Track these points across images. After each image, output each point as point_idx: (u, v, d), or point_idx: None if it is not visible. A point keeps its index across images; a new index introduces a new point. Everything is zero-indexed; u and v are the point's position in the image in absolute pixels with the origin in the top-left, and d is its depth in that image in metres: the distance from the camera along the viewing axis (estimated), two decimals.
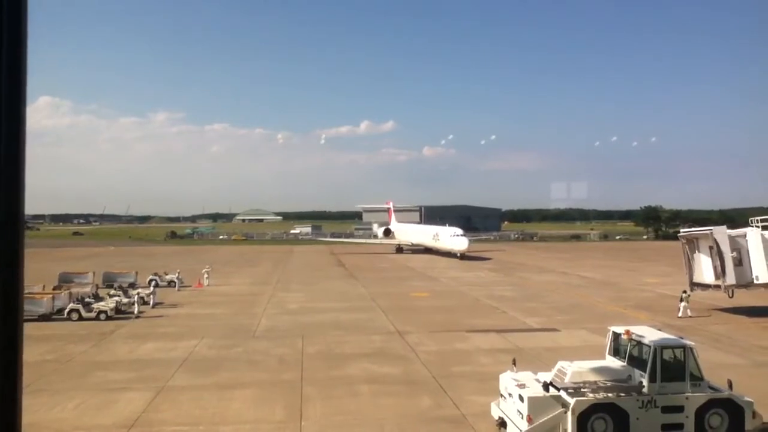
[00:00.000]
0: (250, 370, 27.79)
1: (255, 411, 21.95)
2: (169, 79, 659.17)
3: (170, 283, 58.17)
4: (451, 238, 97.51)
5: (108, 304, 42.16)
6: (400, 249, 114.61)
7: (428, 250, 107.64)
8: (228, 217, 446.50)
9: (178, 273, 59.51)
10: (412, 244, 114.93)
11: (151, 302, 46.57)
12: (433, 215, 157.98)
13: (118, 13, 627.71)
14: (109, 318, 40.84)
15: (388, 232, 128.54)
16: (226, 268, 78.94)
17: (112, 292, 47.70)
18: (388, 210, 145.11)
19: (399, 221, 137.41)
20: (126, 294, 46.74)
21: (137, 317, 42.02)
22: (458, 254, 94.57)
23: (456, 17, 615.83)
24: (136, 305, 43.33)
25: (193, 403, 22.82)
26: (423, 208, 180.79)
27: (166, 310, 45.27)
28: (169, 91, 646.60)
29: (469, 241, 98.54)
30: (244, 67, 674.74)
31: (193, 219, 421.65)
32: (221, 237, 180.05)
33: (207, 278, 61.16)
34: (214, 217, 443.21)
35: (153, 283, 53.99)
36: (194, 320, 41.10)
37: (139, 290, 47.85)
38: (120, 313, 42.54)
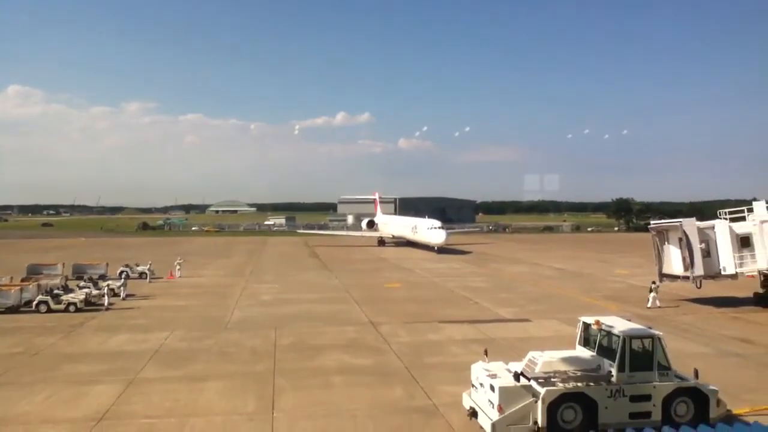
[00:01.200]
0: (222, 362, 27.62)
1: (227, 402, 21.83)
2: (142, 68, 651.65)
3: (141, 275, 57.59)
4: (428, 230, 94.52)
5: (78, 296, 41.63)
6: (382, 241, 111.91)
7: (411, 243, 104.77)
8: (201, 209, 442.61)
9: (150, 264, 58.94)
10: (393, 237, 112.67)
11: (122, 294, 46.05)
12: (408, 207, 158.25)
13: (90, 1, 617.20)
14: (78, 310, 40.30)
15: (371, 224, 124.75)
16: (198, 260, 78.37)
17: (82, 283, 47.09)
18: (373, 201, 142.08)
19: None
20: (96, 286, 46.14)
21: (108, 309, 41.50)
22: (435, 247, 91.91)
23: (430, 11, 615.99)
24: (106, 297, 42.78)
25: (164, 395, 22.63)
26: (398, 200, 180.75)
27: (137, 302, 44.79)
28: (142, 80, 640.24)
29: (447, 233, 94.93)
30: (219, 57, 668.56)
31: (166, 210, 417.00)
32: (194, 228, 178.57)
33: (179, 269, 60.69)
34: (187, 209, 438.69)
35: (124, 274, 53.36)
36: (166, 312, 40.72)
37: (110, 282, 47.28)
38: (90, 305, 41.98)
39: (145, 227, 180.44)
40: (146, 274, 57.57)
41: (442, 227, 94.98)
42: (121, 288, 46.44)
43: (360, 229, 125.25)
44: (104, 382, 24.35)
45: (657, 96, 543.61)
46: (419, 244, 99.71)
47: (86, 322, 37.16)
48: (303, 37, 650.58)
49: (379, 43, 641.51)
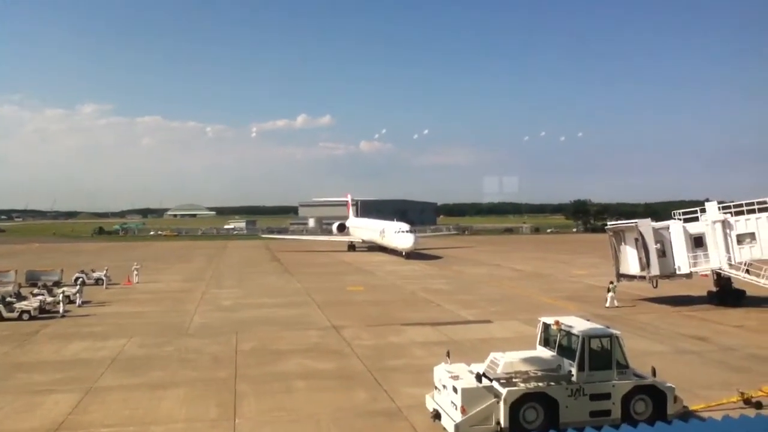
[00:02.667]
0: (182, 369, 27.21)
1: (187, 410, 21.49)
2: (98, 70, 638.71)
3: (98, 281, 56.41)
4: (395, 234, 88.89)
5: (31, 304, 40.53)
6: (352, 246, 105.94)
7: (383, 248, 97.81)
8: (159, 213, 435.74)
9: (106, 270, 57.82)
10: (363, 241, 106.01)
11: (78, 301, 45.04)
12: (370, 209, 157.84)
13: (43, 0, 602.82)
14: (32, 318, 39.25)
15: (342, 228, 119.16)
16: (156, 265, 77.11)
17: (36, 290, 45.92)
18: (337, 203, 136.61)
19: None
20: (51, 293, 44.94)
21: (63, 316, 40.54)
22: (403, 253, 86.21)
23: (389, 13, 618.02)
24: (61, 304, 41.77)
25: (123, 403, 22.20)
26: (359, 203, 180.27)
27: (93, 309, 43.84)
28: (98, 82, 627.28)
29: (416, 237, 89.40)
30: (178, 58, 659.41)
31: (123, 214, 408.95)
32: (152, 233, 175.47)
33: (137, 275, 59.66)
34: (145, 213, 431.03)
35: (79, 281, 52.31)
36: (123, 318, 39.94)
37: (65, 288, 46.24)
38: (44, 312, 40.91)
39: (101, 232, 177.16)
40: (102, 280, 56.40)
41: (411, 231, 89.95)
42: (77, 295, 45.43)
43: (325, 232, 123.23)
44: (60, 391, 23.76)
45: (610, 98, 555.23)
46: (389, 249, 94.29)
47: (41, 330, 36.22)
48: (262, 40, 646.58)
49: (339, 45, 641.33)
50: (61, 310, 41.30)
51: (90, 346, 31.68)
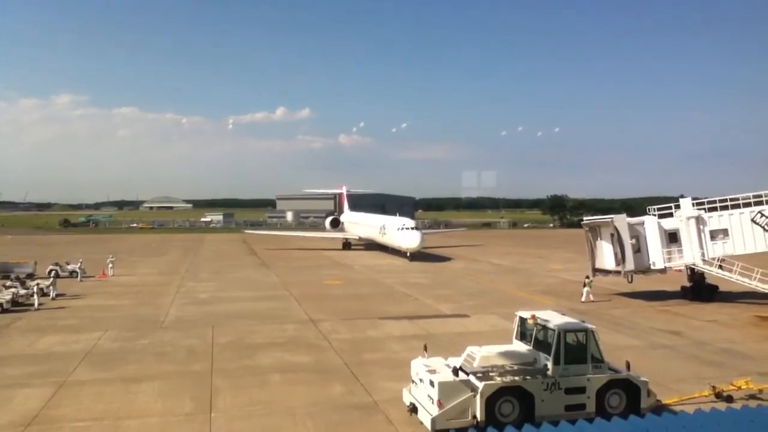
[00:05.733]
0: (157, 362, 26.97)
1: (162, 404, 21.32)
2: (74, 60, 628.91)
3: (72, 274, 55.75)
4: (399, 232, 76.22)
5: (3, 296, 39.94)
6: (347, 244, 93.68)
7: (382, 247, 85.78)
8: (135, 205, 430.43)
9: (81, 263, 57.09)
10: (360, 239, 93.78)
11: (52, 293, 44.43)
12: (348, 203, 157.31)
13: None
14: (5, 311, 38.67)
15: (336, 223, 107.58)
16: (132, 258, 76.38)
17: (9, 283, 45.06)
18: (339, 195, 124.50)
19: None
20: (24, 285, 44.26)
21: (37, 309, 39.95)
22: (407, 253, 74.35)
23: (367, 8, 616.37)
24: (35, 297, 41.16)
25: (97, 397, 21.95)
26: (337, 196, 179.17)
27: (67, 302, 43.29)
28: (74, 72, 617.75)
29: (423, 236, 75.73)
30: (156, 50, 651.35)
31: (97, 206, 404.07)
32: (132, 225, 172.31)
33: (112, 268, 59.00)
34: (120, 205, 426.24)
35: (53, 273, 51.51)
36: (98, 311, 39.50)
37: (39, 281, 45.51)
38: (17, 305, 40.36)
39: (66, 224, 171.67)
40: (77, 272, 55.73)
41: (416, 228, 77.57)
42: (51, 287, 44.79)
43: (304, 227, 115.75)
44: (33, 385, 23.43)
45: (587, 95, 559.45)
46: (389, 247, 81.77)
47: (13, 323, 35.66)
48: (242, 32, 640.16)
49: (320, 39, 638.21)
50: (35, 303, 40.70)
51: (64, 340, 31.28)
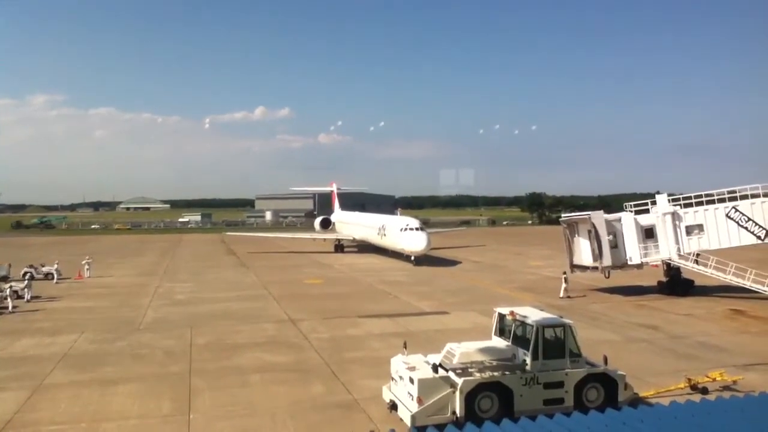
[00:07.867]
0: (134, 364, 26.72)
1: (140, 406, 21.12)
2: (49, 60, 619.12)
3: (48, 276, 54.99)
4: (401, 233, 68.62)
5: None
6: (340, 246, 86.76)
7: (382, 250, 78.49)
8: (111, 206, 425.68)
9: (57, 264, 56.35)
10: (354, 240, 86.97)
11: (27, 296, 43.76)
12: (327, 202, 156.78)
13: None
14: None
15: (327, 224, 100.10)
16: (109, 259, 75.48)
17: None
18: (331, 193, 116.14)
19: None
20: None
21: (11, 312, 39.35)
22: (412, 257, 66.69)
23: (347, 7, 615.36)
24: (9, 299, 40.51)
25: (73, 400, 21.70)
26: (317, 195, 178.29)
27: (43, 304, 42.70)
28: (49, 72, 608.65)
29: (429, 238, 67.99)
30: (132, 49, 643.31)
31: (73, 208, 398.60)
32: (93, 227, 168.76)
33: (88, 269, 58.28)
34: (96, 206, 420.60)
35: (28, 275, 50.74)
36: (74, 314, 39.03)
37: (13, 283, 44.78)
38: None
39: (18, 226, 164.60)
40: (53, 274, 54.99)
41: (421, 228, 69.38)
42: (26, 290, 44.11)
43: (281, 227, 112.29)
44: (8, 389, 23.12)
45: (563, 92, 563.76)
46: (389, 251, 75.41)
47: None
48: (219, 30, 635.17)
49: (300, 38, 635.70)
50: (9, 306, 40.09)
51: (39, 342, 30.86)
